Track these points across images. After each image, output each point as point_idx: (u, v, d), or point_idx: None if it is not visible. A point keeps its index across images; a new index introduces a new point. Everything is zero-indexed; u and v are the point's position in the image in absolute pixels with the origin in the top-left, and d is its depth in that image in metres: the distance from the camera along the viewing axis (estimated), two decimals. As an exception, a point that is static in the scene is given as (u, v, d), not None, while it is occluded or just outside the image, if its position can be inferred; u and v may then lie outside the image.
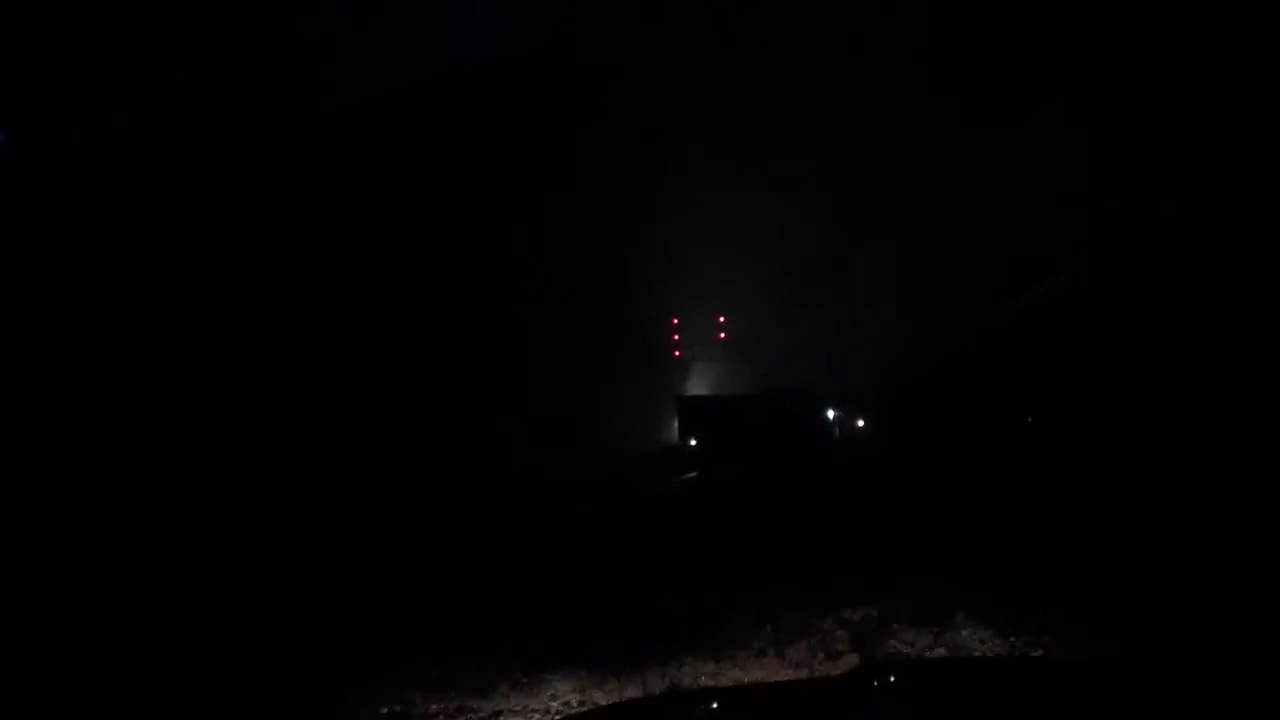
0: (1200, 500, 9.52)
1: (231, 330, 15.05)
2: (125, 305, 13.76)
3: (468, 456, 17.40)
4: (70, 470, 10.59)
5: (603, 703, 5.41)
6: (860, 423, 32.84)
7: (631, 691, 5.60)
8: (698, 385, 35.01)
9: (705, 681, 5.77)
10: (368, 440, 16.01)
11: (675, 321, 35.45)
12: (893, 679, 3.35)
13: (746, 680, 5.74)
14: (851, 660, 6.02)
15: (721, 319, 36.20)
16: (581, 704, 5.47)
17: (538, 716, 5.41)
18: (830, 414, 30.90)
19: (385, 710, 5.51)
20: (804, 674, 5.81)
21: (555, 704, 5.54)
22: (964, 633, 6.49)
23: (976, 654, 6.01)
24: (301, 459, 14.14)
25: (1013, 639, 6.23)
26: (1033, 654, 5.87)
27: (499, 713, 5.47)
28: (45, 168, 13.71)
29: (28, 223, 13.04)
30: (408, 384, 18.06)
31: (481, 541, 10.69)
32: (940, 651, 6.13)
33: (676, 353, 35.52)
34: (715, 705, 3.15)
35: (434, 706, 5.57)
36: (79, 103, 14.05)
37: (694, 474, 20.95)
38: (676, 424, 29.15)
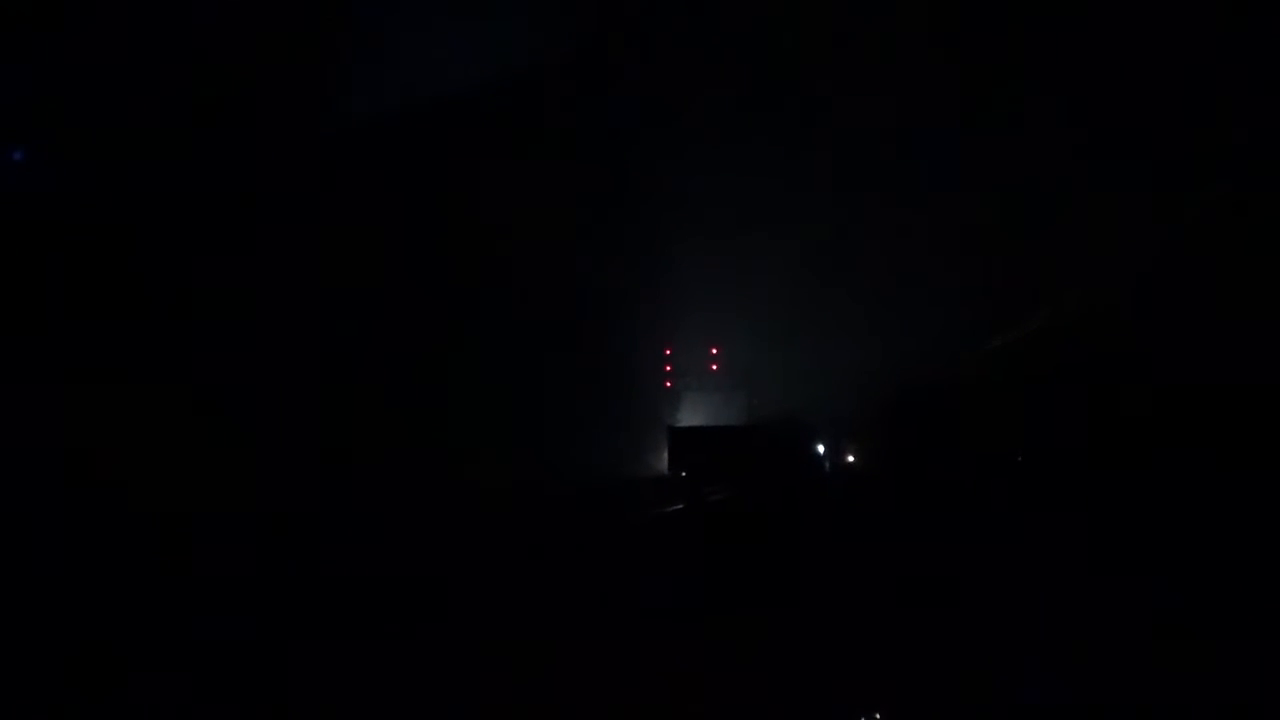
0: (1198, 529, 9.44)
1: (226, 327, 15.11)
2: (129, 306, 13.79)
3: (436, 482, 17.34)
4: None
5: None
6: (850, 458, 32.72)
7: None
8: (689, 415, 34.82)
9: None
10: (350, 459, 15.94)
11: (667, 351, 35.35)
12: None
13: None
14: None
15: (714, 349, 36.11)
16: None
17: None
18: (821, 447, 30.81)
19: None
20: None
21: None
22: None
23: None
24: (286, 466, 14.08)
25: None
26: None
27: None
28: (63, 180, 13.77)
29: (44, 230, 13.11)
30: (390, 400, 18.04)
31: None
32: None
33: (668, 383, 35.38)
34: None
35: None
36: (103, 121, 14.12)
37: (680, 506, 20.78)
38: (666, 455, 29.04)
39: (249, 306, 16.05)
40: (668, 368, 35.35)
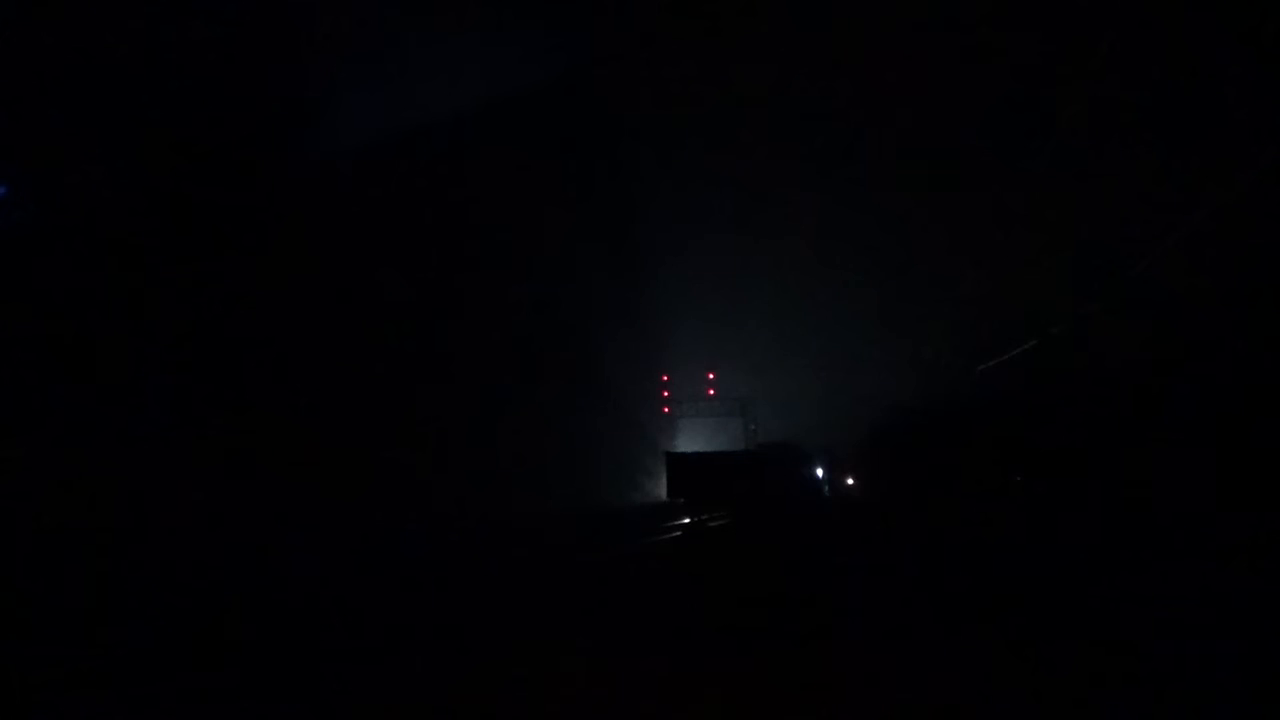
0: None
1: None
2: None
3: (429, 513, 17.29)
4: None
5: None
6: (850, 480, 32.64)
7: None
8: (686, 441, 34.84)
9: None
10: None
11: (665, 378, 35.47)
12: None
13: None
14: None
15: (711, 375, 36.23)
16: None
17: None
18: (820, 471, 30.76)
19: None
20: None
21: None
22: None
23: None
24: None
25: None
26: None
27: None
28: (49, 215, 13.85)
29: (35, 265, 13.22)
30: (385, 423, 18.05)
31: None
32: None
33: (665, 409, 35.47)
34: None
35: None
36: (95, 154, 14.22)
37: (678, 532, 20.71)
38: (665, 481, 28.93)
39: (240, 326, 16.07)
40: (665, 394, 35.45)
